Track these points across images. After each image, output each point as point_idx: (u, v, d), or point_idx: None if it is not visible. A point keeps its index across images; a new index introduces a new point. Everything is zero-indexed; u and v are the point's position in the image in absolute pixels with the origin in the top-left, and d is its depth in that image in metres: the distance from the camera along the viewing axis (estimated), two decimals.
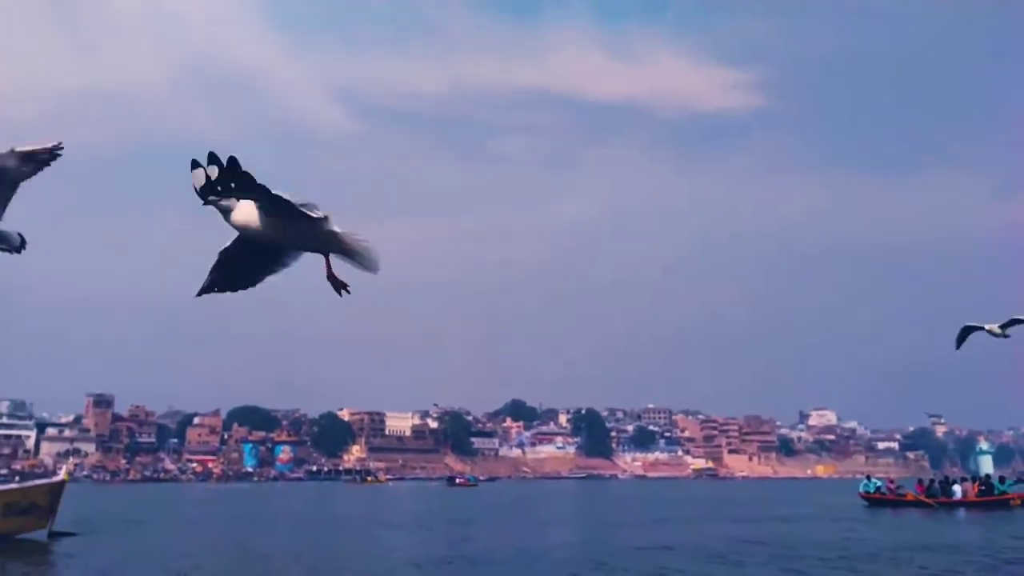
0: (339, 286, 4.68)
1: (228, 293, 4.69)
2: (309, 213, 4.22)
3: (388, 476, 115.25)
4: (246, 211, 4.35)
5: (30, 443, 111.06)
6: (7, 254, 5.68)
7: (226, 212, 4.37)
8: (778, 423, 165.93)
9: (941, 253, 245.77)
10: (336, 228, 4.49)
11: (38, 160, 4.96)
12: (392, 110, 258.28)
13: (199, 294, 4.80)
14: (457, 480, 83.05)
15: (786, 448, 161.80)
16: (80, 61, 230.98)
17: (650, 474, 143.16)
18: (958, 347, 15.18)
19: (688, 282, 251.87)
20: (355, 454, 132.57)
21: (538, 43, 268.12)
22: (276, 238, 4.52)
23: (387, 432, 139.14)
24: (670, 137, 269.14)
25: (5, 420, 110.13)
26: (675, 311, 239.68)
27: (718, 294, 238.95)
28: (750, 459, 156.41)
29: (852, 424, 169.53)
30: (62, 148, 4.95)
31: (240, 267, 4.76)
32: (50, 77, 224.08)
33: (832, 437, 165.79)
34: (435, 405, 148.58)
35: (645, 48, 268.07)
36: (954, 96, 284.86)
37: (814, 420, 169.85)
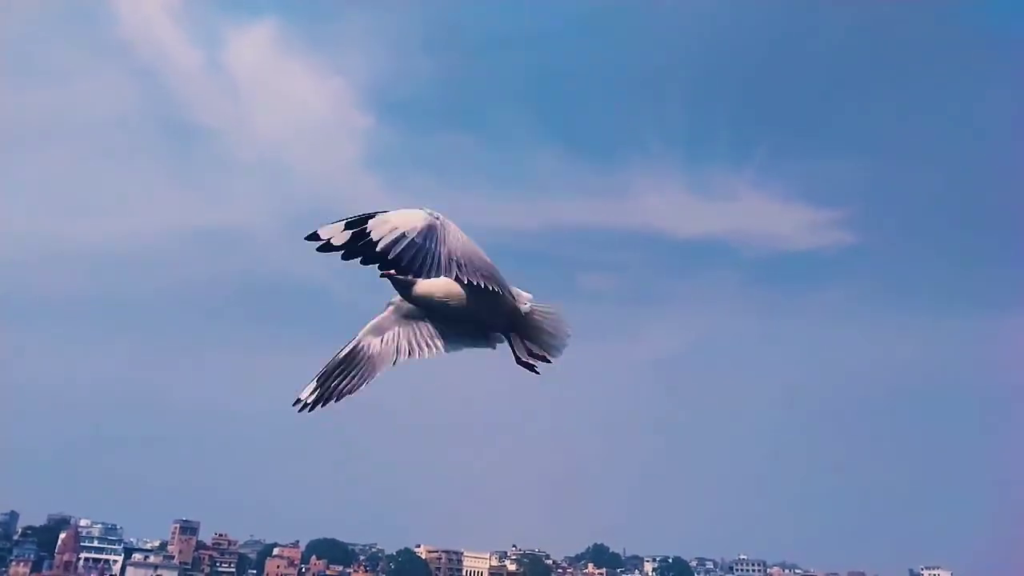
0: (536, 359, 4.63)
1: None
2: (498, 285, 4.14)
3: None
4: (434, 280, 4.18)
5: (117, 568, 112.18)
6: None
7: (407, 285, 4.29)
8: None
9: None
10: (527, 306, 4.51)
11: None
12: (484, 248, 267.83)
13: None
14: None
15: None
16: (197, 202, 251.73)
17: None
18: None
19: (781, 423, 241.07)
20: None
21: (626, 183, 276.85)
22: (461, 307, 4.36)
23: (464, 573, 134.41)
24: (756, 276, 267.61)
25: (96, 544, 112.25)
26: (767, 454, 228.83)
27: (816, 437, 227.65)
28: None
29: None
30: None
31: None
32: (170, 217, 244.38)
33: None
34: (514, 546, 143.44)
35: (730, 188, 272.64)
36: None
37: None
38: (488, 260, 4.19)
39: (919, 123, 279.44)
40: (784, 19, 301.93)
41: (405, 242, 3.82)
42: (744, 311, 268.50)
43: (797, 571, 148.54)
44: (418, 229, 3.90)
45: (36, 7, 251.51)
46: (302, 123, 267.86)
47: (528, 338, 4.74)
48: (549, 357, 4.70)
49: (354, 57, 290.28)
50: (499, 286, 4.15)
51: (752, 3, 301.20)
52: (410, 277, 4.22)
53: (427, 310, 4.60)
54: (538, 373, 4.68)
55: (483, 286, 4.03)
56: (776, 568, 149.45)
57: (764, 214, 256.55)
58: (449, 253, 3.88)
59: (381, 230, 3.88)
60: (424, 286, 4.34)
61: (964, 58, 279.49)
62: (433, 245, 3.88)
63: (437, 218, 4.08)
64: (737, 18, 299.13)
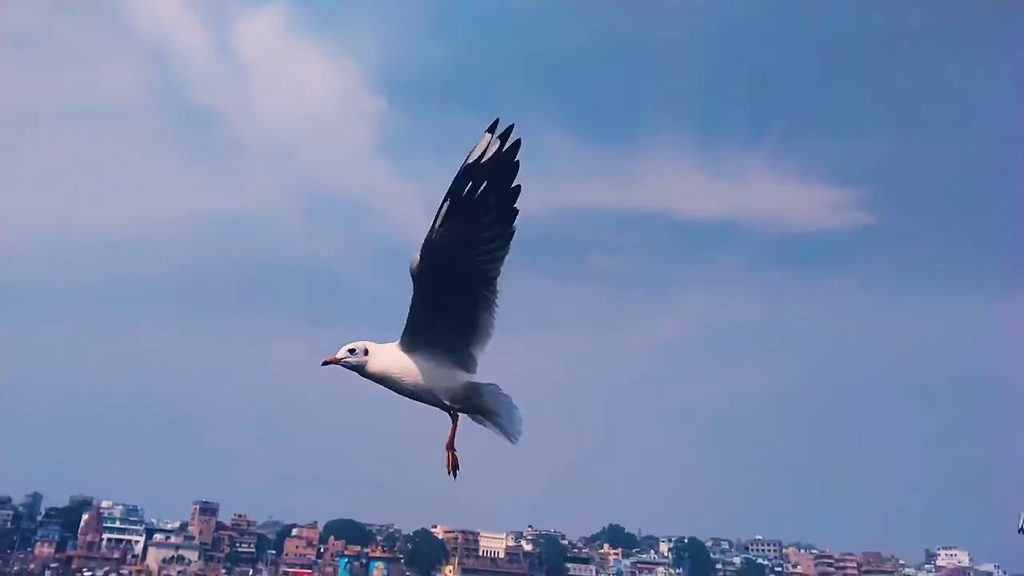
0: (453, 464, 4.67)
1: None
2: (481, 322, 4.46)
3: None
4: (383, 359, 4.47)
5: (139, 548, 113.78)
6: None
7: (359, 368, 4.44)
8: (901, 561, 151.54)
9: None
10: (484, 380, 4.64)
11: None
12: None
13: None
14: None
15: None
16: (207, 186, 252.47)
17: None
18: None
19: (797, 405, 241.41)
20: (448, 574, 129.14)
21: (637, 164, 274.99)
22: (415, 386, 4.50)
23: (480, 553, 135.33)
24: (769, 257, 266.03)
25: (118, 524, 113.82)
26: (783, 435, 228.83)
27: (829, 419, 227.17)
28: None
29: (988, 568, 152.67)
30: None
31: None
32: (185, 203, 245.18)
33: None
34: (529, 526, 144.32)
35: (743, 168, 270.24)
36: None
37: (943, 560, 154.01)
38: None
39: (938, 102, 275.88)
40: None
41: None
42: (756, 293, 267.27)
43: (813, 551, 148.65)
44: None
45: None
46: (312, 106, 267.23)
47: (483, 416, 4.80)
48: (509, 438, 4.77)
49: (364, 39, 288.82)
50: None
51: None
52: (361, 361, 4.51)
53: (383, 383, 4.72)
54: (454, 473, 4.72)
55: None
56: (791, 548, 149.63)
57: (778, 194, 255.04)
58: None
59: None
60: (378, 364, 4.47)
61: (984, 36, 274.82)
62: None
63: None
64: None
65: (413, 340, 4.52)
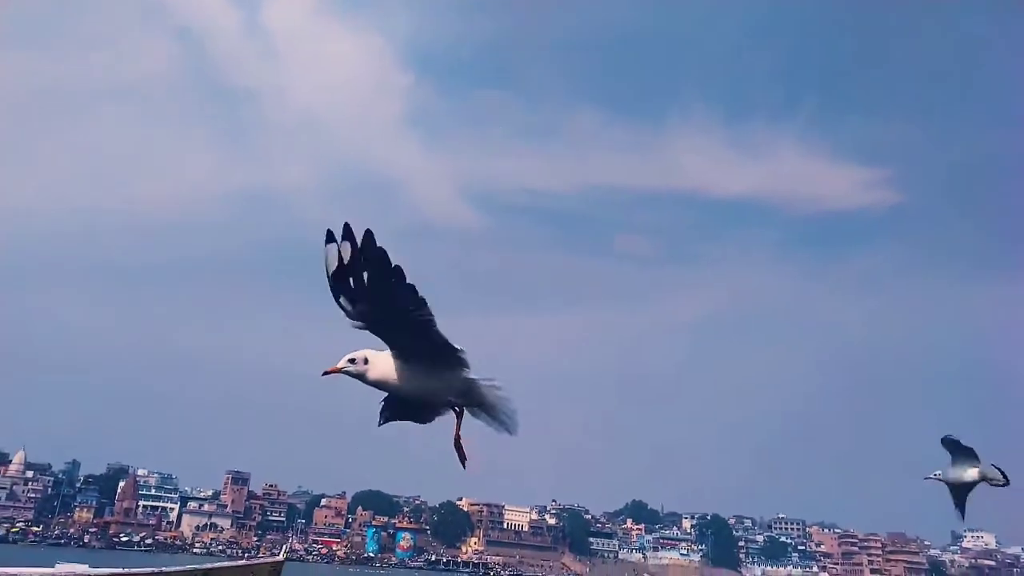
0: (462, 455, 4.87)
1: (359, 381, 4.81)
2: (449, 344, 4.45)
3: (506, 572, 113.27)
4: (381, 367, 4.60)
5: (173, 515, 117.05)
6: None
7: (359, 377, 4.60)
8: (927, 542, 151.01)
9: None
10: (475, 376, 4.75)
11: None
12: (520, 207, 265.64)
13: (380, 424, 5.06)
14: None
15: (937, 571, 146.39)
16: (238, 164, 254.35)
17: None
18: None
19: (820, 385, 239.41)
20: (473, 546, 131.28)
21: (664, 142, 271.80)
22: (414, 390, 4.65)
23: (505, 526, 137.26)
24: (797, 236, 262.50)
25: (154, 492, 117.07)
26: (809, 415, 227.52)
27: (856, 399, 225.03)
28: None
29: (1015, 551, 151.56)
30: None
31: (414, 405, 4.94)
32: (214, 180, 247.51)
33: (992, 563, 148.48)
34: (553, 501, 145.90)
35: (772, 145, 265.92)
36: None
37: (969, 542, 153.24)
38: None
39: (972, 80, 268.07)
40: None
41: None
42: (784, 272, 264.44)
43: (837, 530, 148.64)
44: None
45: None
46: (342, 83, 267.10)
47: (481, 410, 4.98)
48: (508, 431, 4.92)
49: (392, 15, 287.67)
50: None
51: None
52: (360, 370, 4.66)
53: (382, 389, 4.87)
54: (463, 464, 4.93)
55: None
56: (815, 527, 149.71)
57: (807, 173, 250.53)
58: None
59: None
60: (377, 372, 4.64)
61: (1021, 15, 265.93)
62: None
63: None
64: None
65: (400, 352, 4.73)
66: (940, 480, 11.42)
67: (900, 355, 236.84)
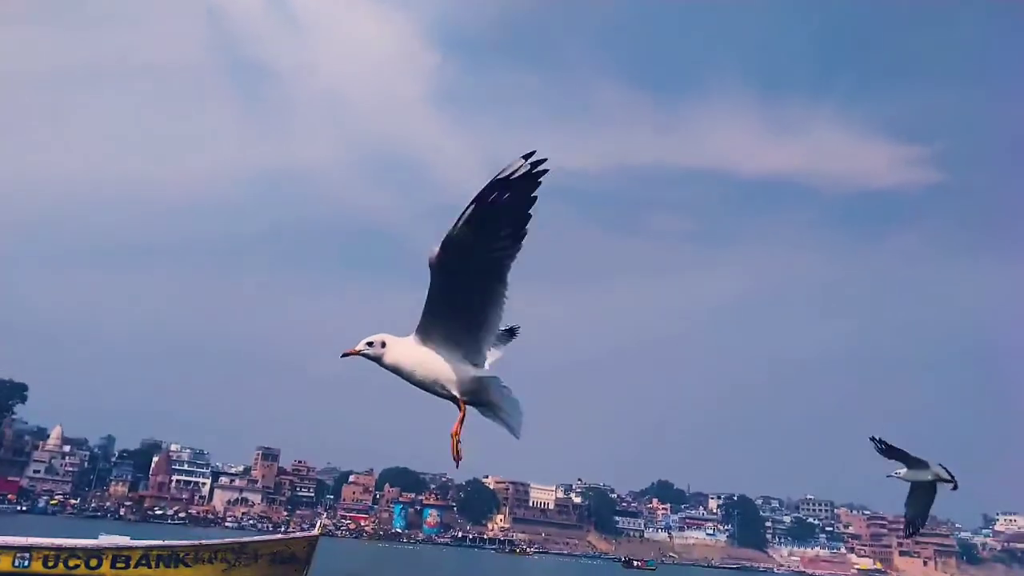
0: (457, 452, 4.84)
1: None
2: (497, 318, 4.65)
3: (533, 549, 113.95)
4: (398, 352, 4.78)
5: (205, 490, 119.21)
6: None
7: (376, 360, 4.77)
8: (957, 525, 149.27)
9: None
10: (489, 374, 4.86)
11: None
12: (549, 187, 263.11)
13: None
14: (635, 563, 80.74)
15: (968, 555, 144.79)
16: (264, 143, 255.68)
17: (809, 571, 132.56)
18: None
19: (855, 364, 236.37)
20: (499, 523, 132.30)
21: (697, 119, 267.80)
22: (425, 377, 4.81)
23: (531, 504, 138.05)
24: (831, 215, 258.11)
25: (187, 467, 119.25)
26: (839, 395, 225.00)
27: (888, 379, 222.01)
28: (925, 564, 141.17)
29: None
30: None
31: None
32: (241, 159, 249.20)
33: None
34: (579, 480, 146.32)
35: (807, 123, 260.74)
36: None
37: (1001, 526, 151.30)
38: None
39: (1014, 52, 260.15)
40: None
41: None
42: (818, 250, 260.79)
43: (865, 512, 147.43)
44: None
45: None
46: (368, 62, 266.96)
47: (488, 409, 5.03)
48: (512, 433, 4.97)
49: None
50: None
51: None
52: (378, 354, 4.84)
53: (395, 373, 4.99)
54: (456, 462, 4.98)
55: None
56: (843, 508, 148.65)
57: (843, 150, 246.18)
58: None
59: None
60: (392, 357, 4.82)
61: None
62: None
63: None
64: None
65: (427, 332, 4.85)
66: (900, 478, 11.57)
67: (936, 334, 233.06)
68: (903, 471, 11.44)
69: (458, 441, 4.84)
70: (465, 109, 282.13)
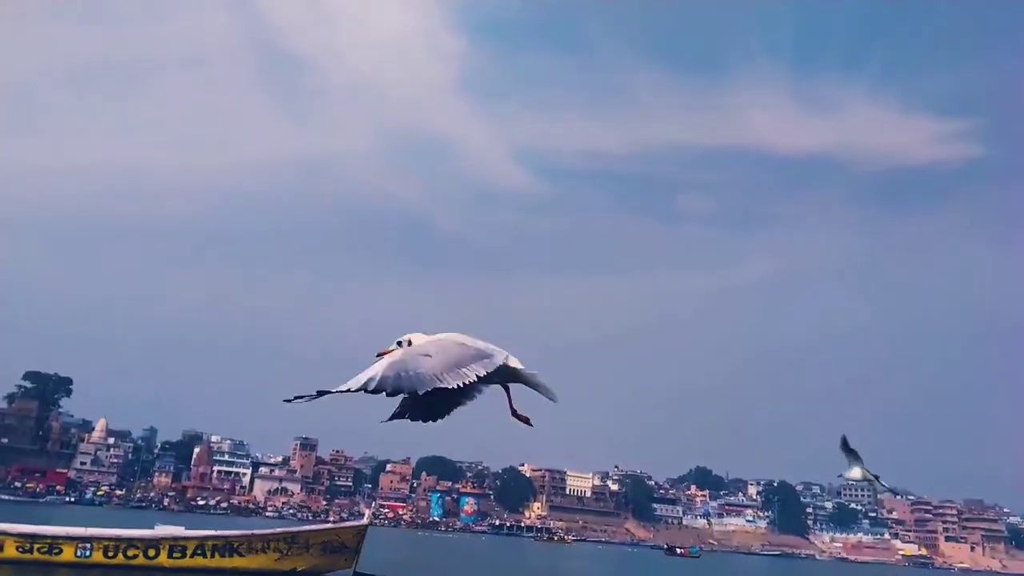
0: (525, 420, 5.02)
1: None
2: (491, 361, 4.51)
3: (570, 536, 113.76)
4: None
5: (246, 480, 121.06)
6: None
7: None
8: (1006, 510, 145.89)
9: None
10: (518, 365, 4.85)
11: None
12: (579, 170, 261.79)
13: (388, 420, 5.14)
14: (678, 550, 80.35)
15: (1017, 539, 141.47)
16: (296, 131, 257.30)
17: (852, 557, 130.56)
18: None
19: (895, 346, 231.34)
20: (536, 511, 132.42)
21: (728, 98, 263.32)
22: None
23: (567, 491, 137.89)
24: (867, 193, 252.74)
25: (227, 458, 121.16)
26: (879, 377, 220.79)
27: (930, 361, 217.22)
28: (972, 549, 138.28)
29: None
30: None
31: (429, 400, 4.82)
32: (270, 147, 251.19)
33: None
34: (616, 467, 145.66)
35: (842, 99, 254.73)
36: None
37: None
38: (467, 348, 4.59)
39: None
40: None
41: (375, 381, 4.17)
42: (853, 230, 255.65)
43: (910, 497, 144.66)
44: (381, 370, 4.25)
45: None
46: (394, 47, 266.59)
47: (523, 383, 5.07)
48: (550, 399, 4.96)
49: None
50: (481, 368, 4.49)
51: None
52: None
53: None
54: (531, 426, 5.08)
55: (467, 382, 4.38)
56: (887, 494, 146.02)
57: (878, 127, 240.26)
58: (430, 368, 4.27)
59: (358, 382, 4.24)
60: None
61: None
62: (406, 371, 4.24)
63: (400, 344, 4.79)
64: None
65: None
66: (844, 479, 12.19)
67: (976, 315, 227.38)
68: (843, 473, 11.88)
69: (517, 412, 4.97)
70: (492, 93, 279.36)
